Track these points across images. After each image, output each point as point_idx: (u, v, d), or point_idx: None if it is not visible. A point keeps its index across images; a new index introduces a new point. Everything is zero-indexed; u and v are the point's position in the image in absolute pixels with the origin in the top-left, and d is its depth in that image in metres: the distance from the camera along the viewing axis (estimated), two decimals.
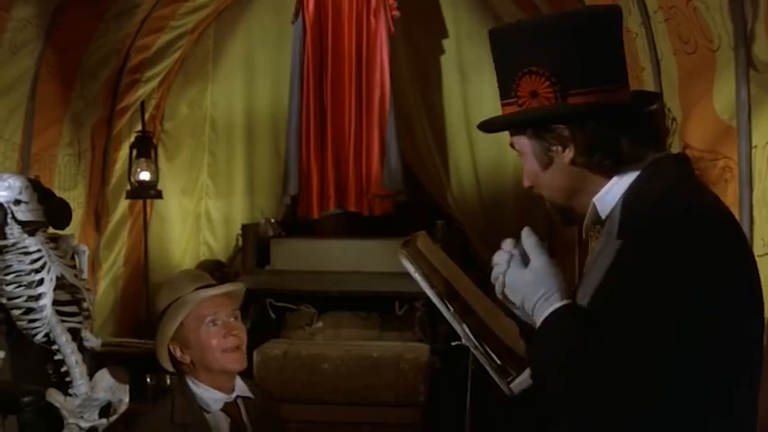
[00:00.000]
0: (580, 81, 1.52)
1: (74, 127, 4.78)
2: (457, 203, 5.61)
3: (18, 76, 4.11)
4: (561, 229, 5.20)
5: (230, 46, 5.88)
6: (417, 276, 1.91)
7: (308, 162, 5.50)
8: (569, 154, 1.54)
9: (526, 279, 1.54)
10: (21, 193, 3.34)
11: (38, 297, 3.34)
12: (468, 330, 1.92)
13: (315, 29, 5.49)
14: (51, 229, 3.57)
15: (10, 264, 3.34)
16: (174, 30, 5.43)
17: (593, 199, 1.57)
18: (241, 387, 2.40)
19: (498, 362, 1.93)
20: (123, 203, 5.48)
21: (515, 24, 1.61)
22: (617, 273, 1.46)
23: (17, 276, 3.34)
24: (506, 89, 1.59)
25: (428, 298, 1.85)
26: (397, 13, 5.40)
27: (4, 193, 3.32)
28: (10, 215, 3.33)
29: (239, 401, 2.38)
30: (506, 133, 4.91)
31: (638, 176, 1.53)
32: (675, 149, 3.11)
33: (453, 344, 2.17)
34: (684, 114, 3.04)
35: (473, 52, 5.56)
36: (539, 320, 1.53)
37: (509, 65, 1.57)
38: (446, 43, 5.60)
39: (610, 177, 1.55)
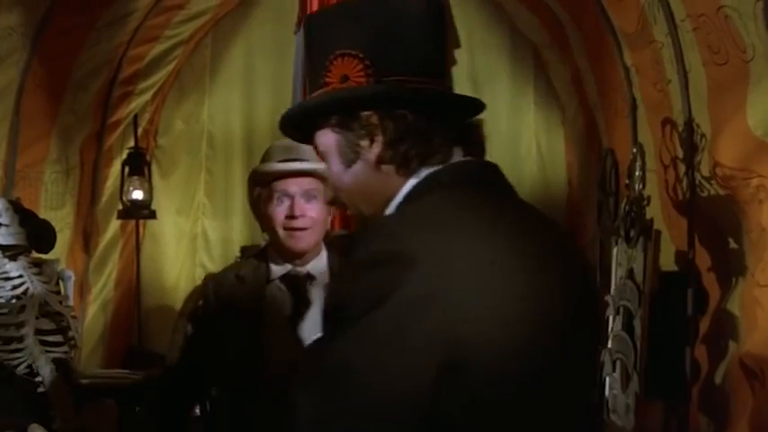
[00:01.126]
0: (396, 67, 1.48)
1: (62, 142, 4.74)
2: None
3: (2, 89, 4.08)
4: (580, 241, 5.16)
5: (229, 57, 5.85)
6: None
7: None
8: (376, 149, 1.48)
9: None
10: (0, 215, 3.30)
11: (19, 325, 3.29)
12: None
13: None
14: (35, 253, 3.53)
15: None
16: (168, 39, 5.40)
17: (393, 203, 1.50)
18: (319, 268, 2.52)
19: None
20: (114, 224, 5.44)
21: (333, 6, 1.59)
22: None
23: None
24: (317, 76, 1.55)
25: None
26: None
27: None
28: None
29: (310, 279, 2.49)
30: (523, 147, 4.84)
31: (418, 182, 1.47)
32: (705, 167, 3.05)
33: None
34: (714, 130, 2.99)
35: (487, 63, 5.57)
36: None
37: (322, 49, 1.53)
38: (458, 54, 5.49)
39: (410, 178, 1.48)
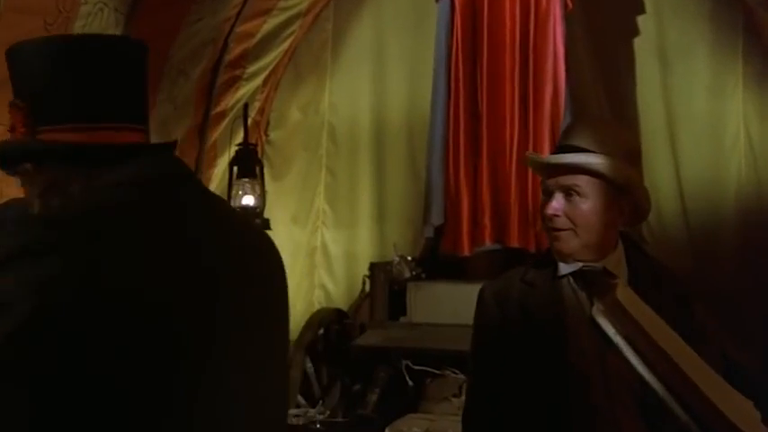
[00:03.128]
0: (54, 116, 1.65)
1: (159, 137, 4.67)
2: (654, 236, 5.36)
3: None
4: None
5: (354, 32, 5.87)
6: (619, 340, 2.11)
7: (457, 183, 5.33)
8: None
9: None
10: None
11: None
12: (682, 407, 2.09)
13: (466, 7, 5.33)
14: None
15: None
16: (283, 12, 5.44)
17: None
18: (615, 264, 2.62)
19: None
20: None
21: (19, 45, 1.70)
22: None
23: None
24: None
25: None
26: None
27: None
28: None
29: (608, 275, 2.57)
30: (728, 138, 4.59)
31: None
32: None
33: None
34: None
35: (679, 33, 5.36)
36: None
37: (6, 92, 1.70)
38: (642, 21, 5.40)
39: None
